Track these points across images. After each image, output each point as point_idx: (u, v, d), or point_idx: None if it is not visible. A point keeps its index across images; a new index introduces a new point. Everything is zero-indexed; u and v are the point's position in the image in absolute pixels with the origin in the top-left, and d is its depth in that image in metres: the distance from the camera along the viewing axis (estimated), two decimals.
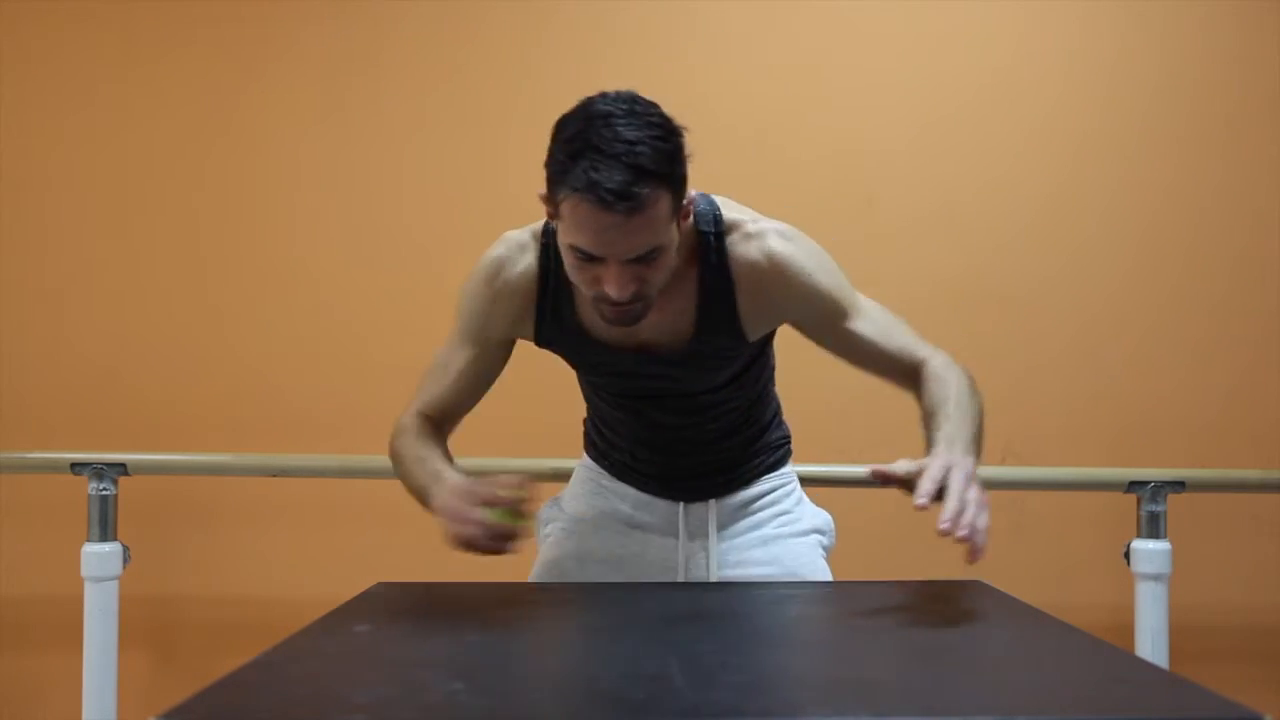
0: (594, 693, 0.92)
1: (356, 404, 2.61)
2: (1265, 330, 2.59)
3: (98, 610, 2.23)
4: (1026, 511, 2.56)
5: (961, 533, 1.13)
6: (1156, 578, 2.20)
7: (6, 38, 2.66)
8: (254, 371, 2.63)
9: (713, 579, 1.60)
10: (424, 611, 1.28)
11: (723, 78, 2.61)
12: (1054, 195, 2.61)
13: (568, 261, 1.31)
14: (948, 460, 1.21)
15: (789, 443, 1.72)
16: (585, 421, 1.73)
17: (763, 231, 1.43)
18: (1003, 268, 2.61)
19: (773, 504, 1.67)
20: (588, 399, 1.66)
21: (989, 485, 2.31)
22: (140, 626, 2.49)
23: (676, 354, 1.46)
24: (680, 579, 1.61)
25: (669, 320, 1.42)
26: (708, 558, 1.60)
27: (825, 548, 1.69)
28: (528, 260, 1.46)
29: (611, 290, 1.27)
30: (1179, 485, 2.22)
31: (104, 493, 2.26)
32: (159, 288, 2.65)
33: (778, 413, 1.71)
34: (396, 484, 2.63)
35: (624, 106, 1.25)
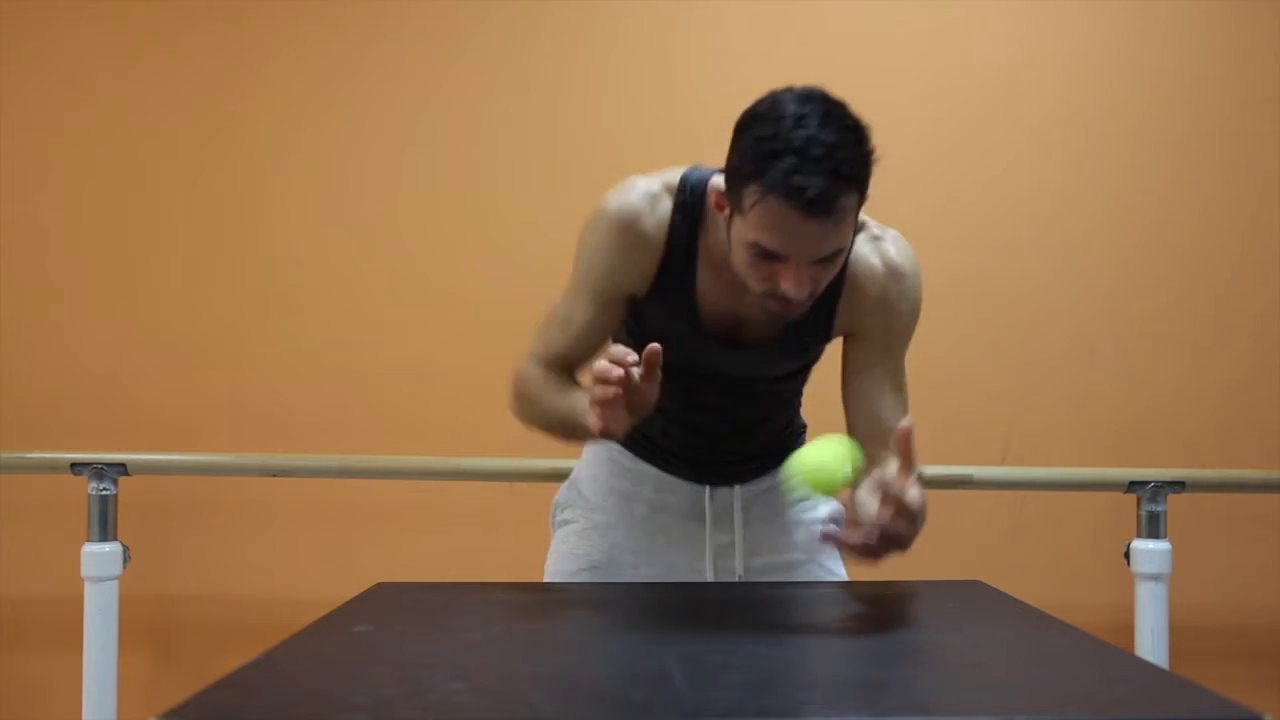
0: (594, 693, 0.92)
1: (356, 404, 2.61)
2: (1265, 330, 2.59)
3: (98, 610, 2.23)
4: (1026, 511, 2.57)
5: (856, 538, 1.13)
6: (1156, 578, 2.20)
7: (6, 37, 2.66)
8: (254, 371, 2.63)
9: (740, 565, 1.59)
10: (424, 611, 1.28)
11: (723, 77, 2.60)
12: (1054, 194, 2.61)
13: (742, 257, 1.28)
14: (920, 504, 1.15)
15: (805, 432, 1.72)
16: None
17: (885, 236, 1.44)
18: (1002, 266, 2.61)
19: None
20: None
21: (989, 485, 2.34)
22: (140, 626, 2.49)
23: (765, 342, 1.45)
24: (707, 565, 1.60)
25: None
26: (735, 544, 1.60)
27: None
28: (661, 214, 1.39)
29: (790, 289, 1.25)
30: (1179, 485, 2.22)
31: (104, 493, 2.26)
32: (159, 288, 2.65)
33: (800, 403, 1.72)
34: (396, 484, 2.64)
35: (818, 107, 1.23)
